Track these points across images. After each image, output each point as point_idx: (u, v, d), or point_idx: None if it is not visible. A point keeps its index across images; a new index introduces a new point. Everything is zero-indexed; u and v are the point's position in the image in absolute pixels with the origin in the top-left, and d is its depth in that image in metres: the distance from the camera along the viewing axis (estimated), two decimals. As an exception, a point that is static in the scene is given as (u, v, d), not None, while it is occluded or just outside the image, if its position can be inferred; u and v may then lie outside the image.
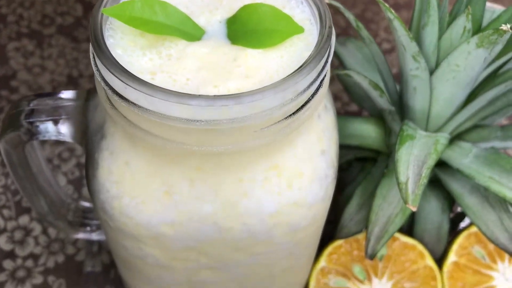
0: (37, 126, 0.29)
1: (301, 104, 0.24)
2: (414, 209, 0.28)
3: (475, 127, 0.38)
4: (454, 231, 0.39)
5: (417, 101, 0.34)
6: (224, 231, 0.27)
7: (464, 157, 0.35)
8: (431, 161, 0.29)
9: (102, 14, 0.24)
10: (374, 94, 0.34)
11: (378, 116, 0.40)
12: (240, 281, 0.31)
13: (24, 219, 0.47)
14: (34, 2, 0.62)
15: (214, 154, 0.24)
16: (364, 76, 0.32)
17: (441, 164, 0.38)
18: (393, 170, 0.35)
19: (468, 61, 0.30)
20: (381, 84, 0.36)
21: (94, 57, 0.24)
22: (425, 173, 0.29)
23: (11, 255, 0.45)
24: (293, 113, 0.24)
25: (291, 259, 0.31)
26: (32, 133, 0.29)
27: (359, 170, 0.40)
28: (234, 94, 0.21)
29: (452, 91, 0.33)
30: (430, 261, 0.37)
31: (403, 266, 0.37)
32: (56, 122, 0.29)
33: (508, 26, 0.26)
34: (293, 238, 0.29)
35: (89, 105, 0.29)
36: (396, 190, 0.34)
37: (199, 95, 0.21)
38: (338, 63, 0.45)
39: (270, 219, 0.27)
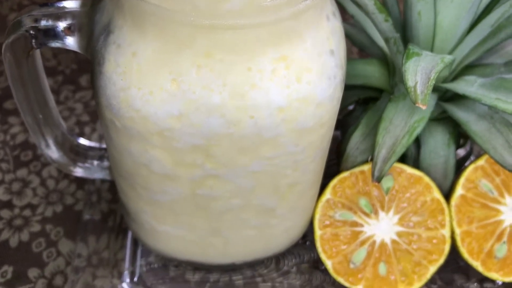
0: (43, 31, 0.29)
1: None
2: (423, 107, 0.27)
3: (479, 65, 0.38)
4: (460, 170, 0.38)
5: (422, 27, 0.34)
6: (231, 125, 0.26)
7: (470, 86, 0.35)
8: (439, 67, 0.29)
9: None
10: (380, 18, 0.34)
11: (382, 59, 0.40)
12: (244, 195, 0.31)
13: (22, 172, 0.46)
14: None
15: (222, 35, 0.24)
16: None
17: (447, 99, 0.38)
18: (399, 95, 0.35)
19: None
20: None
21: None
22: (434, 76, 0.29)
23: (9, 205, 0.44)
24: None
25: (296, 172, 0.30)
26: (38, 41, 0.29)
27: (362, 111, 0.40)
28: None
29: (456, 14, 0.33)
30: (437, 194, 0.36)
31: (409, 199, 0.36)
32: (62, 28, 0.29)
33: None
34: (299, 141, 0.28)
35: (95, 9, 0.28)
36: (403, 113, 0.34)
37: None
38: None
39: (278, 113, 0.26)
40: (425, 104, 0.27)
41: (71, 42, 0.29)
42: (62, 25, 0.29)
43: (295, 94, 0.26)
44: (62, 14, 0.29)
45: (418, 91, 0.28)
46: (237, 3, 0.23)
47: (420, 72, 0.30)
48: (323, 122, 0.28)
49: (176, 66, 0.25)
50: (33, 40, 0.29)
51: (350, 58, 0.40)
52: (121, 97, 0.26)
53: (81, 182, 0.45)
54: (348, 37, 0.43)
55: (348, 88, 0.41)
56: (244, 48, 0.25)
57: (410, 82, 0.29)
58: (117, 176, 0.33)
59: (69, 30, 0.29)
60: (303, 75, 0.26)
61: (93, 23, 0.28)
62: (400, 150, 0.33)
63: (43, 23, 0.28)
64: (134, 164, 0.30)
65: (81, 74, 0.54)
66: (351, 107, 0.43)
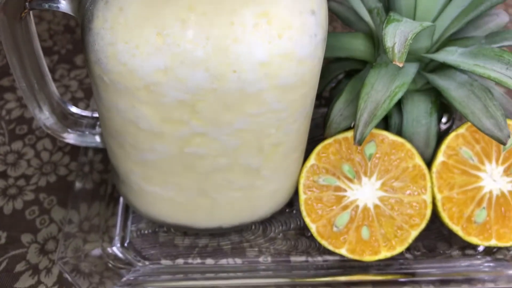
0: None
1: None
2: (400, 65, 0.28)
3: (461, 38, 0.40)
4: (442, 138, 0.39)
5: (402, 1, 0.36)
6: (215, 80, 0.27)
7: (451, 55, 0.36)
8: (417, 30, 0.30)
9: None
10: (362, -13, 0.35)
11: (367, 33, 0.41)
12: (230, 154, 0.32)
13: (17, 145, 0.47)
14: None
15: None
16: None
17: (430, 70, 0.39)
18: (381, 63, 0.36)
19: None
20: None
21: None
22: (411, 36, 0.30)
23: (3, 175, 0.45)
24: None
25: (279, 131, 0.31)
26: (32, 3, 0.30)
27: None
28: None
29: (435, -15, 0.34)
30: (419, 160, 0.37)
31: (392, 165, 0.37)
32: (53, -10, 0.30)
33: None
34: (282, 98, 0.29)
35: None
36: (385, 79, 0.35)
37: None
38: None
39: (260, 68, 0.27)
40: (402, 62, 0.29)
41: (63, 3, 0.30)
42: (54, -14, 0.30)
43: (276, 50, 0.27)
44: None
45: (396, 50, 0.29)
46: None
47: (398, 34, 0.31)
48: (305, 80, 0.30)
49: (161, 20, 0.26)
50: (27, 2, 0.30)
51: (336, 32, 0.42)
52: (109, 52, 0.27)
53: (74, 154, 0.46)
54: (336, 14, 0.45)
55: (335, 61, 0.42)
56: (226, 2, 0.26)
57: (388, 43, 0.30)
58: (107, 136, 0.34)
59: (61, -8, 0.30)
60: (284, 32, 0.27)
61: (83, -17, 0.29)
62: (381, 114, 0.34)
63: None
64: (122, 121, 0.31)
65: (76, 54, 0.55)
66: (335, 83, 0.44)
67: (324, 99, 0.49)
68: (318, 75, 0.31)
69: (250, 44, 0.27)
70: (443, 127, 0.43)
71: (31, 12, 0.31)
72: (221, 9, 0.26)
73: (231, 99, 0.28)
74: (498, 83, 0.32)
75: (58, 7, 0.31)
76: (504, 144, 0.34)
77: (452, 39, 0.40)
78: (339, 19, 0.45)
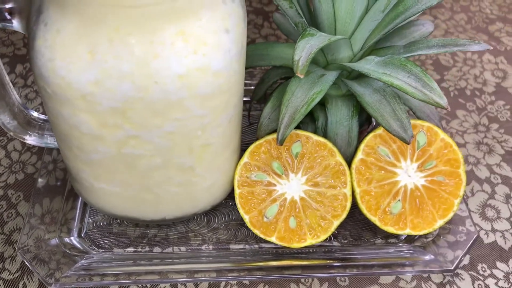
0: (-11, 14, 0.34)
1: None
2: (301, 76, 0.33)
3: (384, 48, 0.44)
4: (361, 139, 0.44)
5: (323, 13, 0.40)
6: (141, 90, 0.32)
7: (368, 64, 0.40)
8: (321, 45, 0.35)
9: None
10: (285, 5, 0.40)
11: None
12: (164, 154, 0.36)
13: (-11, 146, 0.51)
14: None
15: (129, 12, 0.30)
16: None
17: (353, 78, 0.43)
18: (302, 71, 0.41)
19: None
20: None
21: None
22: (314, 50, 0.34)
23: (-25, 173, 0.49)
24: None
25: (205, 133, 0.36)
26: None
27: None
28: None
29: (349, 3, 0.39)
30: (340, 158, 0.42)
31: (315, 162, 0.42)
32: (6, 10, 0.34)
33: None
34: (203, 106, 0.34)
35: (33, -5, 0.34)
36: (304, 87, 0.40)
37: None
38: None
39: (178, 80, 0.32)
40: (303, 74, 0.33)
41: (14, 23, 0.35)
42: (6, 7, 0.34)
43: (192, 64, 0.32)
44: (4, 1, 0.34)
45: (300, 64, 0.34)
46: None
47: (306, 48, 0.35)
48: (222, 89, 0.34)
49: (91, 39, 0.31)
50: (-18, 22, 0.35)
51: (272, 42, 0.46)
52: (49, 67, 0.32)
53: (41, 154, 0.50)
54: (278, 25, 0.49)
55: (273, 68, 0.46)
56: (147, 24, 0.31)
57: (296, 57, 0.34)
58: (57, 140, 0.39)
59: (11, 12, 0.34)
60: (199, 48, 0.32)
61: (30, 5, 0.34)
62: (299, 118, 0.39)
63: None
64: (67, 127, 0.35)
65: (48, 61, 0.60)
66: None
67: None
68: (239, 83, 0.36)
69: (169, 59, 0.31)
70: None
71: (-13, 31, 0.36)
72: (143, 29, 0.31)
73: (157, 106, 0.33)
74: (400, 89, 0.37)
75: (11, 26, 0.35)
76: (408, 143, 0.38)
77: (375, 49, 0.44)
78: (279, 30, 0.49)
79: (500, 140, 0.54)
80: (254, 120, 0.52)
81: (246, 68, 0.41)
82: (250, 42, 0.64)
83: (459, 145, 0.53)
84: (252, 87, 0.53)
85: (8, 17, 0.34)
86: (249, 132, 0.52)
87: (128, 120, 0.34)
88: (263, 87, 0.47)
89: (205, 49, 0.32)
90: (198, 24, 0.32)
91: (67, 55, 0.31)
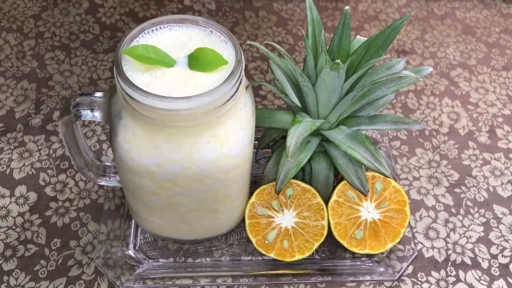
0: (81, 112, 0.51)
1: (225, 100, 0.46)
2: (291, 160, 0.50)
3: (353, 117, 0.61)
4: (336, 184, 0.61)
5: (310, 100, 0.57)
6: (187, 170, 0.49)
7: (340, 134, 0.57)
8: (305, 134, 0.52)
9: (121, 52, 0.47)
10: (282, 95, 0.56)
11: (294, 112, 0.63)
12: (198, 202, 0.54)
13: (62, 176, 0.69)
14: (63, 23, 0.84)
15: (179, 127, 0.47)
16: (273, 86, 0.55)
17: (328, 141, 0.60)
18: (294, 141, 0.58)
19: (329, 77, 0.52)
20: (288, 89, 0.58)
21: (116, 76, 0.46)
22: (300, 140, 0.51)
23: (55, 199, 0.67)
24: (222, 105, 0.46)
25: (227, 190, 0.53)
26: (78, 116, 0.52)
27: (278, 145, 0.63)
28: (187, 96, 0.44)
29: (327, 94, 0.55)
30: (319, 199, 0.59)
31: (303, 201, 0.59)
32: (92, 110, 0.51)
33: (338, 60, 0.48)
34: (227, 175, 0.51)
35: (112, 100, 0.51)
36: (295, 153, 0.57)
37: (169, 97, 0.44)
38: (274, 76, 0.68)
39: (211, 163, 0.49)
40: (292, 158, 0.50)
41: (98, 118, 0.52)
42: (92, 109, 0.51)
43: (220, 153, 0.49)
44: (92, 101, 0.51)
45: (290, 150, 0.51)
46: (186, 119, 0.46)
47: (296, 135, 0.52)
48: (239, 165, 0.51)
49: (155, 140, 0.48)
50: (75, 118, 0.52)
51: (272, 109, 0.63)
52: (126, 154, 0.49)
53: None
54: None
55: (272, 129, 0.63)
56: (191, 131, 0.48)
57: (288, 143, 0.51)
58: (125, 190, 0.56)
59: (97, 112, 0.51)
60: (225, 144, 0.49)
61: (110, 107, 0.51)
62: (290, 176, 0.56)
63: (81, 110, 0.51)
64: (134, 187, 0.53)
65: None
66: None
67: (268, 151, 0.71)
68: (249, 158, 0.53)
69: (205, 152, 0.49)
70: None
71: (77, 121, 0.53)
72: (189, 134, 0.48)
73: (197, 177, 0.50)
74: (358, 161, 0.54)
75: (95, 119, 0.52)
76: (365, 195, 0.56)
77: (348, 117, 0.61)
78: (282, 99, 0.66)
79: (447, 174, 0.71)
80: (259, 157, 0.70)
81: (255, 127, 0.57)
82: (257, 87, 0.81)
83: (415, 179, 0.70)
84: (258, 136, 0.70)
85: (94, 113, 0.51)
86: (257, 167, 0.70)
87: (176, 185, 0.51)
88: (264, 141, 0.64)
89: (228, 144, 0.49)
90: (224, 129, 0.49)
91: (139, 148, 0.49)
